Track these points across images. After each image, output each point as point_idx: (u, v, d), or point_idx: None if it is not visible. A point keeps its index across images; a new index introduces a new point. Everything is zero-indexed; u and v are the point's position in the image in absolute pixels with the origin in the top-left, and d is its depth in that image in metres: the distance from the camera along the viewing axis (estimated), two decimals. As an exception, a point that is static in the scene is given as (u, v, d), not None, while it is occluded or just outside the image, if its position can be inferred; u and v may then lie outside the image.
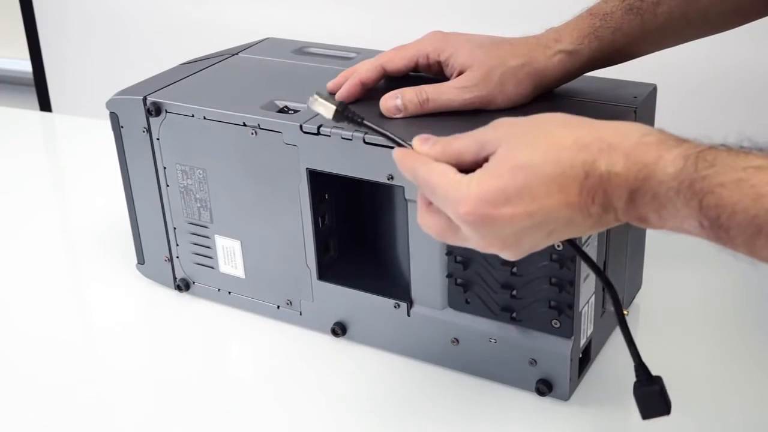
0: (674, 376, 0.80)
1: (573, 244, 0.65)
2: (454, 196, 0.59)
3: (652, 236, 0.87)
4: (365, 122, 0.66)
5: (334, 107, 0.65)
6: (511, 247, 0.60)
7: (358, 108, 0.81)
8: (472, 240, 0.61)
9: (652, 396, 0.65)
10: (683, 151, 0.53)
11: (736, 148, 0.53)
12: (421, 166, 0.62)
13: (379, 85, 0.82)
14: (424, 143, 0.64)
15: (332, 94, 0.83)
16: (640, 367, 0.66)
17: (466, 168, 0.61)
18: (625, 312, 0.83)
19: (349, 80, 0.82)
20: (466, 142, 0.62)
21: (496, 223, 0.58)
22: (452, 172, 0.60)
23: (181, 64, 0.96)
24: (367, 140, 0.75)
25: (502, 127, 0.61)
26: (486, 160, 0.60)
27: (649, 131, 0.56)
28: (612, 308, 0.82)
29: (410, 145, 0.65)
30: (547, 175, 0.56)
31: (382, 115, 0.79)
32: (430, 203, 0.63)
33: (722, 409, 0.75)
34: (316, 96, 0.66)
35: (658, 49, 0.80)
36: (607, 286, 0.67)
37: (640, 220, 0.56)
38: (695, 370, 0.80)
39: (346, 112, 0.66)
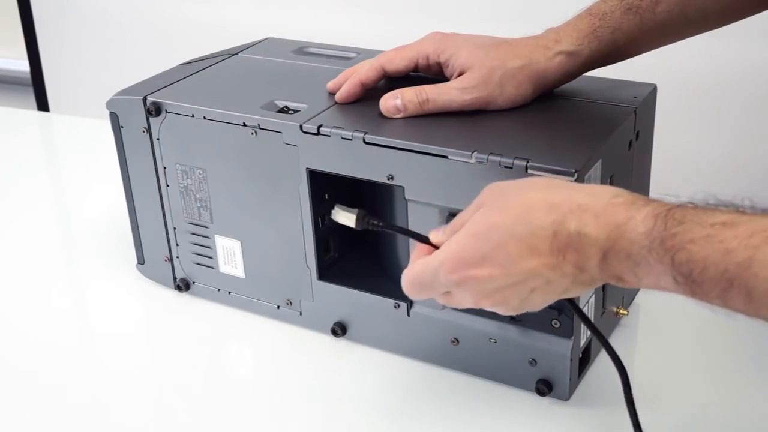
0: (674, 376, 0.80)
1: (572, 304, 0.67)
2: (438, 261, 0.63)
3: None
4: (383, 226, 0.71)
5: (354, 215, 0.70)
6: (500, 304, 0.63)
7: (358, 107, 0.81)
8: (465, 299, 0.64)
9: None
10: (652, 210, 0.55)
11: (702, 205, 0.55)
12: (409, 272, 0.66)
13: (380, 84, 0.82)
14: (436, 233, 0.67)
15: (332, 94, 0.83)
16: None
17: None
18: (625, 312, 0.84)
19: (349, 80, 0.82)
20: (464, 213, 0.65)
21: (477, 279, 0.61)
22: (428, 256, 0.65)
23: (181, 64, 0.96)
24: (367, 140, 0.75)
25: (488, 191, 0.64)
26: None
27: (619, 193, 0.58)
28: (613, 309, 0.82)
29: (427, 238, 0.67)
30: (518, 235, 0.59)
31: (381, 115, 0.79)
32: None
33: (722, 410, 0.75)
34: (337, 208, 0.71)
35: (658, 47, 0.80)
36: (616, 363, 0.68)
37: (617, 279, 0.58)
38: (695, 371, 0.80)
39: (366, 218, 0.70)
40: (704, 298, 0.54)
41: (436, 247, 0.66)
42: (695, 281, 0.53)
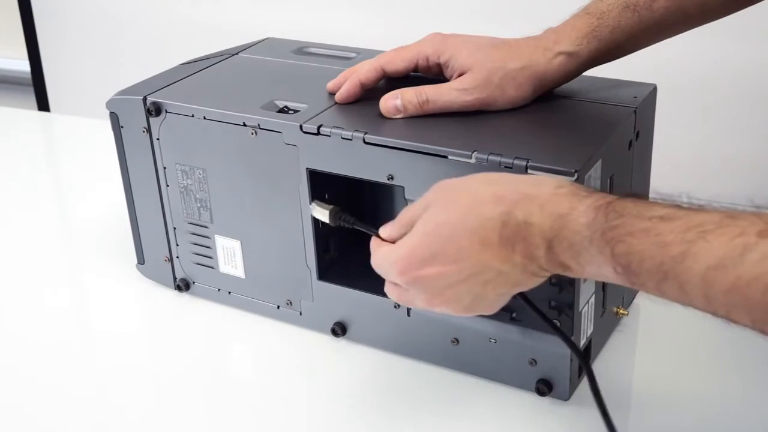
0: (674, 376, 0.80)
1: (524, 298, 0.67)
2: (390, 261, 0.65)
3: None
4: (353, 223, 0.74)
5: (328, 211, 0.75)
6: (452, 302, 0.64)
7: (358, 107, 0.81)
8: (418, 298, 0.65)
9: None
10: (593, 202, 0.58)
11: (642, 199, 0.57)
12: (373, 254, 0.68)
13: (380, 85, 0.82)
14: (384, 228, 0.69)
15: (332, 94, 0.83)
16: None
17: None
18: (625, 312, 0.84)
19: (348, 81, 0.82)
20: (414, 207, 0.66)
21: (429, 279, 0.63)
22: (386, 245, 0.67)
23: (181, 64, 0.96)
24: (367, 140, 0.75)
25: (435, 190, 0.66)
26: None
27: (563, 183, 0.61)
28: (613, 309, 0.82)
29: (377, 233, 0.69)
30: (468, 228, 0.61)
31: (381, 115, 0.79)
32: None
33: (722, 410, 0.75)
34: (313, 204, 0.76)
35: (657, 42, 0.80)
36: (574, 351, 0.69)
37: (563, 267, 0.60)
38: (695, 371, 0.80)
39: (339, 214, 0.75)
40: (642, 287, 0.56)
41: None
42: (633, 272, 0.55)
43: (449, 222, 0.62)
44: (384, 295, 0.81)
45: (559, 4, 0.80)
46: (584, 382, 0.78)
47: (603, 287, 0.78)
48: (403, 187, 0.75)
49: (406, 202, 0.76)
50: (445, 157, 0.72)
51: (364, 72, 0.82)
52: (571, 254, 0.58)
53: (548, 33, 0.79)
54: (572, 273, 0.60)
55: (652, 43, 0.80)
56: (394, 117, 0.78)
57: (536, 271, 0.61)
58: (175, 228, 0.91)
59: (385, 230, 0.69)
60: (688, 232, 0.52)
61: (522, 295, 0.67)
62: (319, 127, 0.77)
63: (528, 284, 0.63)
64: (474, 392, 0.78)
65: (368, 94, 0.82)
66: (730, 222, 0.51)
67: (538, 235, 0.59)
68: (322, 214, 0.75)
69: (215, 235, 0.88)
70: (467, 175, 0.65)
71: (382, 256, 0.66)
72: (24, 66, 1.80)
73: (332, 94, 0.83)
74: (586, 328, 0.77)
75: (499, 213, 0.60)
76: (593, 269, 0.58)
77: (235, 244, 0.87)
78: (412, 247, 0.63)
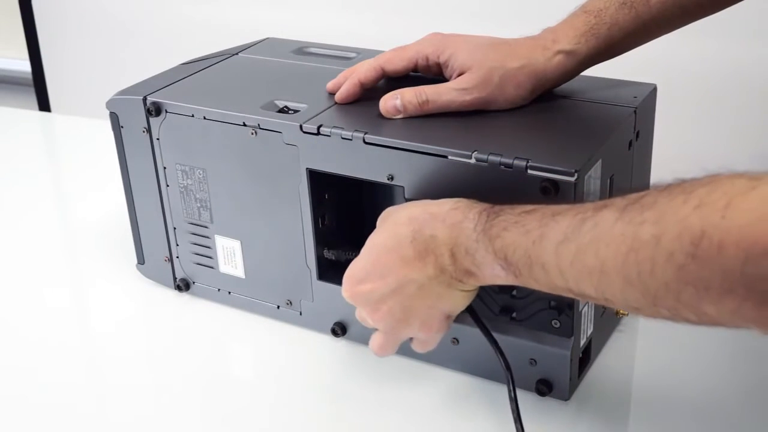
0: (675, 376, 0.80)
1: (471, 312, 0.72)
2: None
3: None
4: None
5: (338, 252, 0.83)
6: (387, 315, 0.70)
7: (358, 107, 0.81)
8: (362, 313, 0.72)
9: None
10: (480, 209, 0.65)
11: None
12: None
13: (379, 85, 0.82)
14: None
15: (332, 94, 0.83)
16: None
17: None
18: (625, 312, 0.84)
19: (348, 80, 0.82)
20: None
21: (363, 294, 0.70)
22: None
23: (181, 64, 0.96)
24: (367, 140, 0.75)
25: (381, 215, 0.73)
26: None
27: (461, 200, 0.68)
28: (614, 309, 0.82)
29: None
30: (390, 248, 0.68)
31: (381, 116, 0.79)
32: None
33: (724, 410, 0.75)
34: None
35: (656, 38, 0.80)
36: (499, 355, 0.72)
37: (468, 274, 0.66)
38: (696, 371, 0.80)
39: (346, 252, 0.83)
40: (522, 279, 0.61)
41: None
42: (511, 264, 0.61)
43: (377, 244, 0.70)
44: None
45: (558, 4, 0.80)
46: (584, 382, 0.78)
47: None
48: (403, 187, 0.75)
49: (406, 202, 0.76)
50: (445, 157, 0.72)
51: (363, 72, 0.82)
52: (470, 260, 0.64)
53: (546, 32, 0.79)
54: (475, 279, 0.66)
55: (651, 39, 0.80)
56: (393, 117, 0.78)
57: (450, 282, 0.67)
58: (175, 228, 0.91)
59: None
60: (544, 218, 0.59)
61: (469, 309, 0.71)
62: (319, 127, 0.77)
63: (451, 298, 0.69)
64: (474, 392, 0.78)
65: (368, 94, 0.82)
66: (578, 205, 0.58)
67: (442, 246, 0.66)
68: (337, 256, 0.84)
69: (215, 235, 0.88)
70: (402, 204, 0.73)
71: None
72: (25, 66, 1.80)
73: (332, 94, 0.83)
74: (586, 328, 0.77)
75: (410, 231, 0.67)
76: (488, 270, 0.64)
77: (235, 244, 0.87)
78: (353, 267, 0.71)
